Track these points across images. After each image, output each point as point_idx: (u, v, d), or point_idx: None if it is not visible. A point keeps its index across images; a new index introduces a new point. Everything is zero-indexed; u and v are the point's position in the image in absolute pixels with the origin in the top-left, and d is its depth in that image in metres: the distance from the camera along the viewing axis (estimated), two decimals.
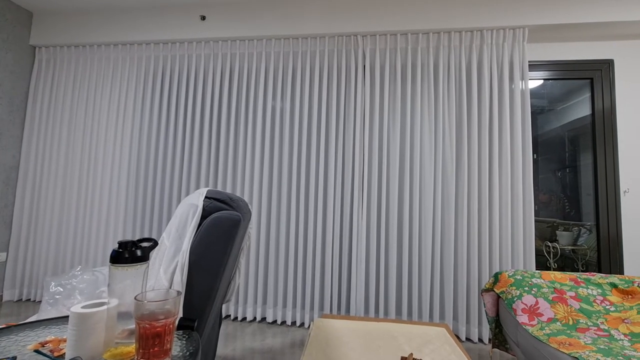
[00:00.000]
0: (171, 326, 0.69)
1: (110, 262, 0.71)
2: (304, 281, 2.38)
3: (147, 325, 0.66)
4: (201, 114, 2.62)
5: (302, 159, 2.43)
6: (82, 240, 2.66)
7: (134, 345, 0.67)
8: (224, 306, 2.45)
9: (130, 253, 0.71)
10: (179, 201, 2.55)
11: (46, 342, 0.76)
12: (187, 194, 2.54)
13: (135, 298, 0.66)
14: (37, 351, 0.72)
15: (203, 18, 2.62)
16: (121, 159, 2.66)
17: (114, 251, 0.71)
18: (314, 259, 2.38)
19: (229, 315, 2.45)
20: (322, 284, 2.38)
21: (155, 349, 0.66)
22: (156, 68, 2.72)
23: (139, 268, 0.72)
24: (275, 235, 2.43)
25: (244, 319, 2.43)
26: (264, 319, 2.43)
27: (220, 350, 1.93)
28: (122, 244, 0.71)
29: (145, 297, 0.70)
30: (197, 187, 2.55)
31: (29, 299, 2.67)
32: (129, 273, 0.71)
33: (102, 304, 0.74)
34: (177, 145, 2.60)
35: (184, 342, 0.80)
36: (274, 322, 2.39)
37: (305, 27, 2.50)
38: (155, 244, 0.77)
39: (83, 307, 0.72)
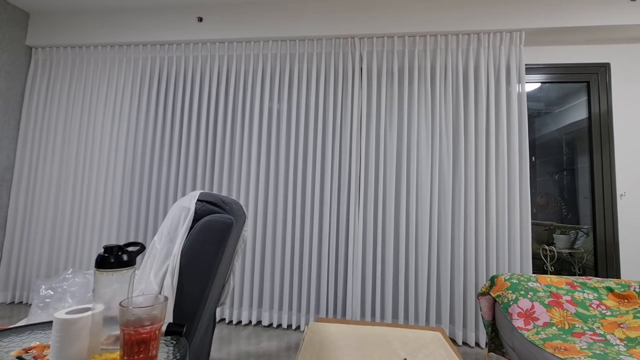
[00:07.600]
0: (157, 332, 0.67)
1: (95, 266, 0.69)
2: (300, 284, 2.36)
3: (132, 332, 0.64)
4: (197, 116, 2.61)
5: (299, 161, 2.42)
6: (77, 243, 2.64)
7: (119, 351, 0.66)
8: (218, 309, 2.43)
9: (115, 257, 0.69)
10: (173, 203, 2.53)
11: (30, 348, 0.75)
12: (183, 196, 2.52)
13: (120, 304, 0.65)
14: (20, 358, 0.71)
15: (200, 20, 2.62)
16: (116, 160, 2.64)
17: (99, 255, 0.69)
18: (310, 261, 2.36)
19: (224, 319, 2.43)
20: (318, 286, 2.36)
21: (140, 355, 0.65)
22: (152, 69, 2.71)
23: (125, 273, 0.70)
24: (271, 237, 2.41)
25: (239, 322, 2.41)
26: (259, 322, 2.41)
27: (215, 354, 1.91)
28: (107, 249, 0.70)
29: (132, 302, 0.68)
30: (193, 189, 2.54)
31: (22, 302, 2.64)
32: (115, 278, 0.69)
33: (87, 309, 0.72)
34: (173, 148, 2.59)
35: (172, 347, 0.78)
36: (270, 325, 2.37)
37: (301, 29, 2.50)
38: (142, 248, 0.76)
39: (68, 313, 0.70)
